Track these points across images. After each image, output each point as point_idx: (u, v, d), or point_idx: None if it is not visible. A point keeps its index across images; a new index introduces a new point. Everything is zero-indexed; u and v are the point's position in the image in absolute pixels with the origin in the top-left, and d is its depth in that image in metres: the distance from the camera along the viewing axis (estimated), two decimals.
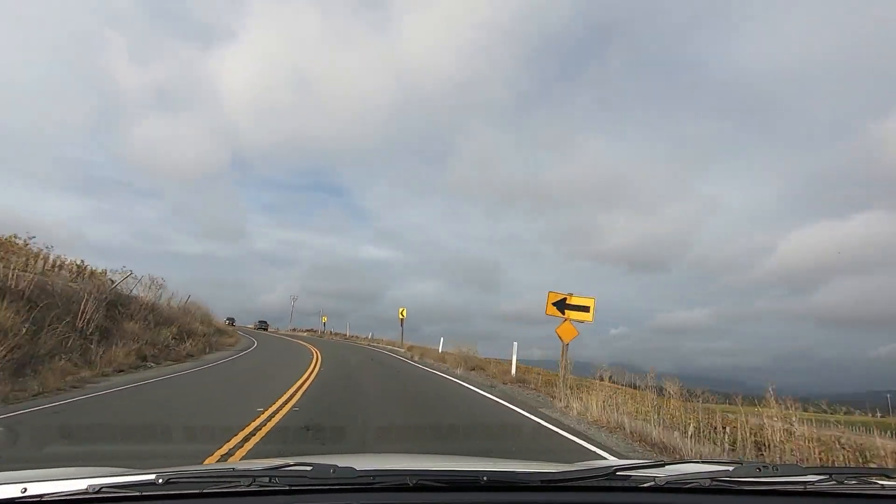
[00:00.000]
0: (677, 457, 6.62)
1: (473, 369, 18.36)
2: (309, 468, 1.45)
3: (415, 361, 23.98)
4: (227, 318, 56.95)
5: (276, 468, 1.49)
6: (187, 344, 18.37)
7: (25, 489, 1.34)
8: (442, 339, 26.91)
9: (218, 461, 4.90)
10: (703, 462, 1.95)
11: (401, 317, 34.31)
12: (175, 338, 17.61)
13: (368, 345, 39.63)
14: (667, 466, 1.72)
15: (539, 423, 8.97)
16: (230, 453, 5.29)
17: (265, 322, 61.60)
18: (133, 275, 19.05)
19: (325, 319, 56.09)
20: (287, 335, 49.70)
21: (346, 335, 51.46)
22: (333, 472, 1.42)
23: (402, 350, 31.05)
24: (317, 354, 21.81)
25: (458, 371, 18.62)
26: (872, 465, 5.62)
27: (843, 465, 5.84)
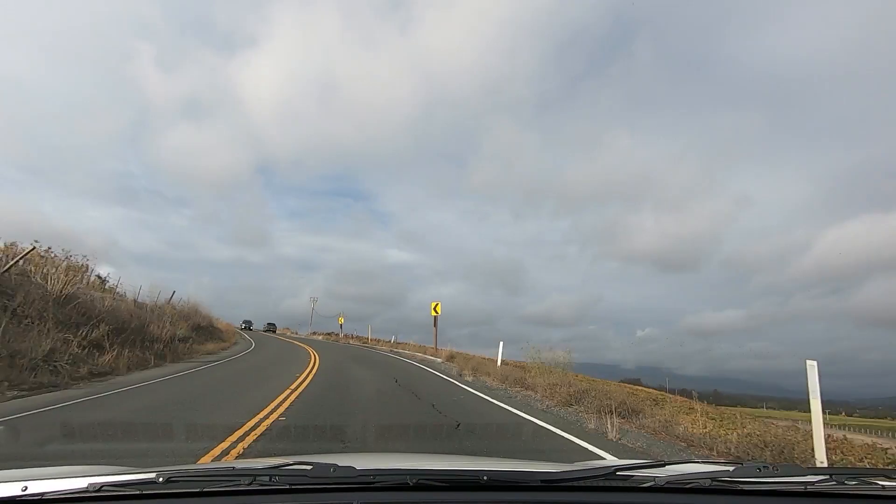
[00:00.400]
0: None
1: (621, 415, 8.87)
2: (309, 467, 1.45)
3: (469, 384, 14.23)
4: (244, 322, 55.94)
5: (277, 467, 1.49)
6: (125, 353, 12.98)
7: (26, 487, 1.34)
8: (501, 344, 18.39)
9: None
10: (703, 462, 1.95)
11: (434, 313, 25.72)
12: (90, 345, 12.13)
13: (391, 351, 31.77)
14: (667, 466, 1.72)
15: None
16: None
17: (273, 325, 60.40)
18: (41, 249, 15.26)
19: (342, 320, 50.86)
20: (296, 339, 43.56)
21: (366, 339, 45.22)
22: (333, 471, 1.42)
23: (440, 360, 22.01)
24: (310, 370, 14.77)
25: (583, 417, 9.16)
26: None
27: (844, 466, 5.83)
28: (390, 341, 40.06)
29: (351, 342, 44.71)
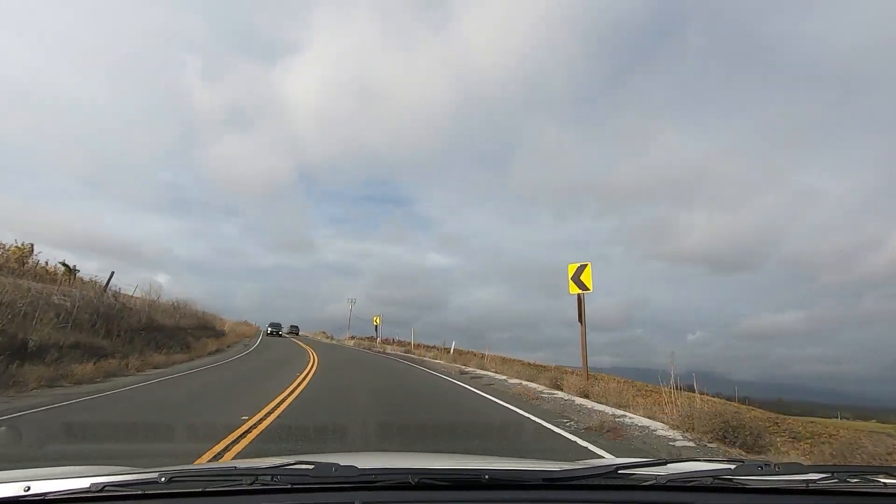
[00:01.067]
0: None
1: None
2: (311, 467, 1.45)
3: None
4: (271, 325, 50.76)
5: (278, 467, 1.49)
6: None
7: (28, 487, 1.35)
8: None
9: None
10: (705, 460, 1.95)
11: (582, 288, 13.11)
12: None
13: (460, 374, 17.93)
14: (669, 465, 1.72)
15: None
16: None
17: (278, 325, 51.97)
18: None
19: (377, 321, 43.21)
20: (315, 344, 37.44)
21: (408, 345, 36.20)
22: (335, 470, 1.43)
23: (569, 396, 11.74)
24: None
25: None
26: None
27: (846, 464, 5.83)
28: (437, 347, 30.17)
29: (388, 349, 35.78)
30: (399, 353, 31.71)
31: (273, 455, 6.31)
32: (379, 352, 33.68)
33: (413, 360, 24.42)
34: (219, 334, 31.30)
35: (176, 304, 28.03)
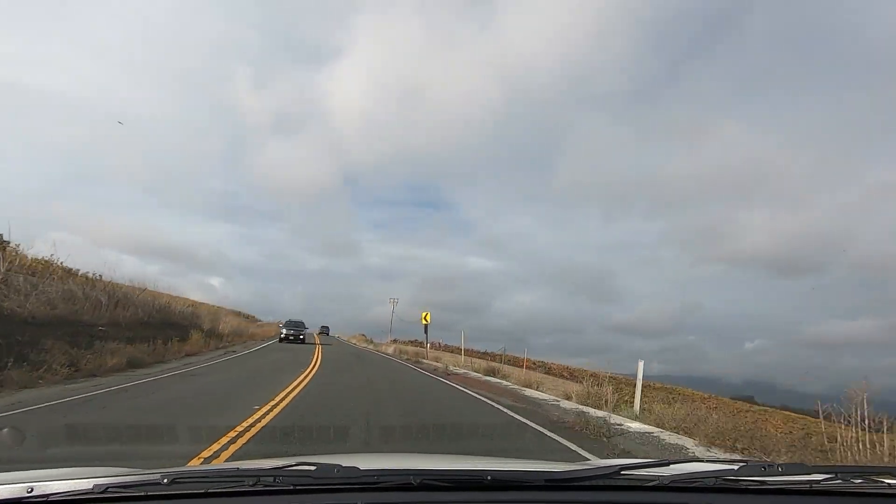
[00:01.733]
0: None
1: None
2: (313, 468, 1.45)
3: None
4: (287, 325, 36.44)
5: (281, 468, 1.49)
6: None
7: (31, 489, 1.35)
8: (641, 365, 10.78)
9: None
10: (708, 461, 1.94)
11: None
12: None
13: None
14: (671, 465, 1.72)
15: None
16: None
17: (299, 325, 37.46)
18: None
19: (426, 318, 32.21)
20: (328, 347, 31.36)
21: (458, 351, 30.02)
22: (337, 471, 1.43)
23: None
24: None
25: None
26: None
27: (849, 465, 5.80)
28: (491, 354, 23.98)
29: (440, 358, 26.97)
30: (454, 369, 21.61)
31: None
32: (428, 374, 18.87)
33: (495, 390, 14.83)
34: (206, 333, 23.42)
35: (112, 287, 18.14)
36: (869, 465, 5.61)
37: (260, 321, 57.70)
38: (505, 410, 10.52)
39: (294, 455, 5.97)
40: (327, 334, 57.27)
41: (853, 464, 5.86)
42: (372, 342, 50.53)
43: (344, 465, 1.46)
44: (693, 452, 7.10)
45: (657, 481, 1.53)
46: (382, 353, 34.75)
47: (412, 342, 47.83)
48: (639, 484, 1.55)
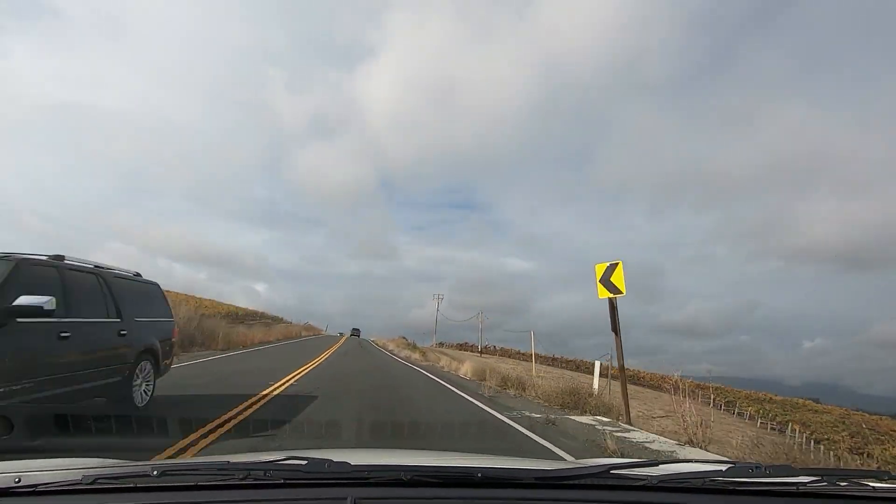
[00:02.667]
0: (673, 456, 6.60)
1: None
2: (304, 462, 1.45)
3: None
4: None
5: (272, 462, 1.49)
6: None
7: (19, 479, 1.34)
8: None
9: None
10: (697, 461, 1.96)
11: None
12: None
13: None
14: (661, 465, 1.73)
15: None
16: None
17: (357, 330, 41.51)
18: None
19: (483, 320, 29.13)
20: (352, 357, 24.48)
21: (525, 356, 26.22)
22: (328, 466, 1.43)
23: None
24: None
25: None
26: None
27: (835, 468, 5.87)
28: (557, 359, 20.40)
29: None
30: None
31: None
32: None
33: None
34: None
35: None
36: (857, 469, 5.67)
37: (286, 321, 55.05)
38: None
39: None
40: (357, 336, 52.91)
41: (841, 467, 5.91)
42: (416, 348, 39.55)
43: (335, 459, 1.46)
44: None
45: (646, 481, 1.54)
46: (425, 368, 21.89)
47: (461, 346, 40.60)
48: (628, 483, 1.56)
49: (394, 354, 31.54)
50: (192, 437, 5.80)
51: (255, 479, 1.39)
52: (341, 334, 62.49)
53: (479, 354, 34.13)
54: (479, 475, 1.49)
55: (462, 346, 42.11)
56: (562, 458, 6.08)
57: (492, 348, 38.02)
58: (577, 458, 6.31)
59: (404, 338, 44.09)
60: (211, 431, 6.13)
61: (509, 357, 33.83)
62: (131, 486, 1.35)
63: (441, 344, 43.35)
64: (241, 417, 7.19)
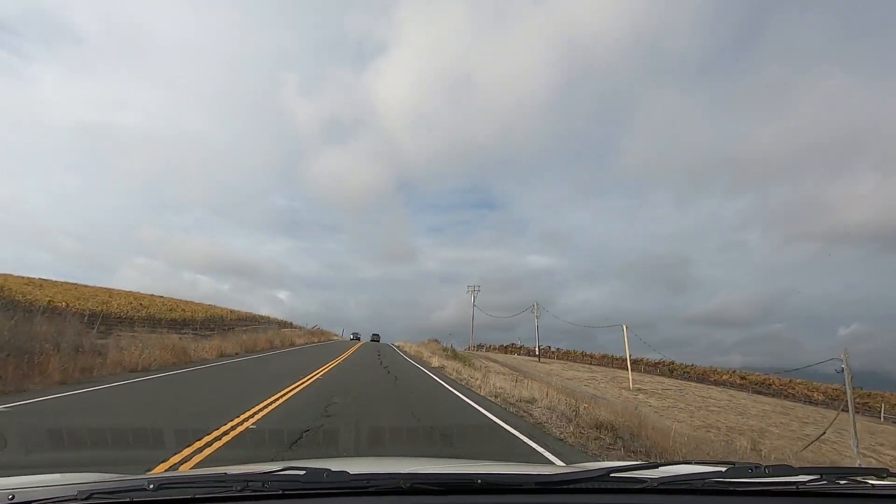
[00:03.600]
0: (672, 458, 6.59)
1: None
2: (302, 472, 1.44)
3: None
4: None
5: (269, 473, 1.47)
6: None
7: (13, 496, 1.32)
8: None
9: None
10: (696, 463, 1.96)
11: None
12: None
13: None
14: (660, 468, 1.73)
15: None
16: None
17: (377, 336, 37.38)
18: None
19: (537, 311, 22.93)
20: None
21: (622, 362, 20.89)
22: (327, 476, 1.42)
23: None
24: None
25: None
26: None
27: (835, 465, 5.88)
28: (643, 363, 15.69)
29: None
30: None
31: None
32: None
33: None
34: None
35: None
36: (856, 467, 5.69)
37: (295, 327, 53.51)
38: None
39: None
40: (377, 342, 47.34)
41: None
42: (457, 356, 28.71)
43: (333, 469, 1.45)
44: None
45: (646, 483, 1.54)
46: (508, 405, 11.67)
47: (506, 349, 31.74)
48: (628, 486, 1.56)
49: (440, 375, 18.69)
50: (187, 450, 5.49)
51: (253, 491, 1.38)
52: (355, 337, 54.76)
53: (536, 360, 25.91)
54: (479, 481, 1.48)
55: (507, 349, 33.32)
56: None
57: (548, 350, 29.40)
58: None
59: (437, 340, 34.99)
60: None
61: (574, 361, 26.29)
62: (127, 500, 1.33)
63: (480, 346, 35.18)
64: None
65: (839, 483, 1.59)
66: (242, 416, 7.44)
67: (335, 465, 1.56)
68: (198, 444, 5.62)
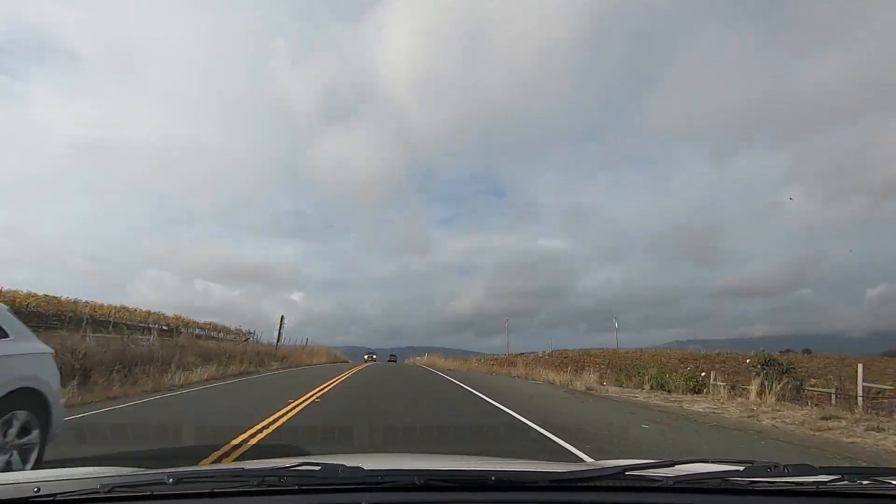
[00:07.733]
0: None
1: None
2: (317, 468, 1.46)
3: None
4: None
5: (286, 468, 1.50)
6: None
7: (38, 489, 1.36)
8: None
9: None
10: (713, 461, 1.93)
11: None
12: None
13: None
14: (676, 466, 1.71)
15: None
16: None
17: (396, 356, 37.05)
18: None
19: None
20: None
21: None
22: (341, 471, 1.43)
23: None
24: None
25: None
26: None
27: (856, 465, 5.76)
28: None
29: None
30: None
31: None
32: None
33: None
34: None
35: None
36: (877, 467, 5.56)
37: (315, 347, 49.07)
38: None
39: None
40: (395, 363, 43.66)
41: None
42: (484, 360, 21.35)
43: (348, 465, 1.47)
44: None
45: (661, 482, 1.52)
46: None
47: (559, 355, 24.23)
48: (643, 485, 1.54)
49: None
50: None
51: (270, 486, 1.40)
52: (369, 357, 45.53)
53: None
54: (493, 478, 1.48)
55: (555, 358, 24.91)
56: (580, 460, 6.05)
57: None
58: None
59: (484, 357, 26.67)
60: None
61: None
62: (147, 493, 1.37)
63: (522, 352, 27.91)
64: None
65: (861, 483, 1.56)
66: None
67: (350, 460, 1.57)
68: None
